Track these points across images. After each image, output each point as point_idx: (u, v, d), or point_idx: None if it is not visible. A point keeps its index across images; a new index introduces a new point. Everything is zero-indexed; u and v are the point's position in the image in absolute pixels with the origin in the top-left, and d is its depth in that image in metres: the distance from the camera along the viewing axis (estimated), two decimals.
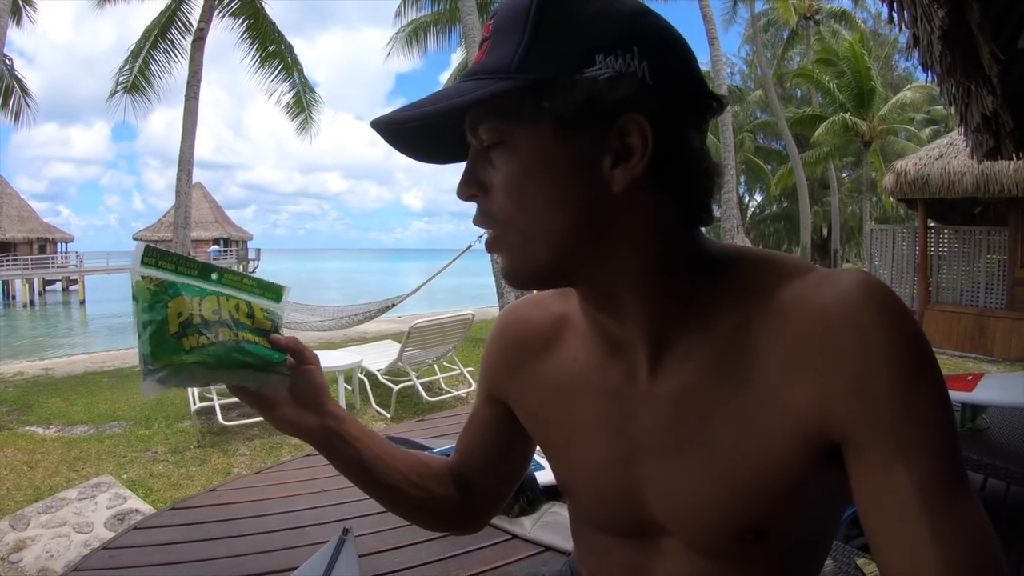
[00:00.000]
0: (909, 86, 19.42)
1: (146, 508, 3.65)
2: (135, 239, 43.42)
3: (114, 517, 3.51)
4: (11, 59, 10.81)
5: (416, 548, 1.91)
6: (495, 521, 2.00)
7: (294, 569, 2.09)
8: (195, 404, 5.23)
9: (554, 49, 0.53)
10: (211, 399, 5.23)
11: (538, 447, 0.79)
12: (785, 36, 25.80)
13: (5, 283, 32.30)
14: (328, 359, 5.95)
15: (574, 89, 0.52)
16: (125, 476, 4.39)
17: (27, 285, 31.60)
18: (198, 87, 10.00)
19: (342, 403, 5.59)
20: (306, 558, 2.16)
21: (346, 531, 0.87)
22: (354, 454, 0.74)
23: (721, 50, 15.96)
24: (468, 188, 0.60)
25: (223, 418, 5.10)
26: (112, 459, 4.82)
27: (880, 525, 0.51)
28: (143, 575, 2.11)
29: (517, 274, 0.60)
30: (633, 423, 0.63)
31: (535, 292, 0.74)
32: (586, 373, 0.67)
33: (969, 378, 2.48)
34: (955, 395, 2.43)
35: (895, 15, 2.27)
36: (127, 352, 13.34)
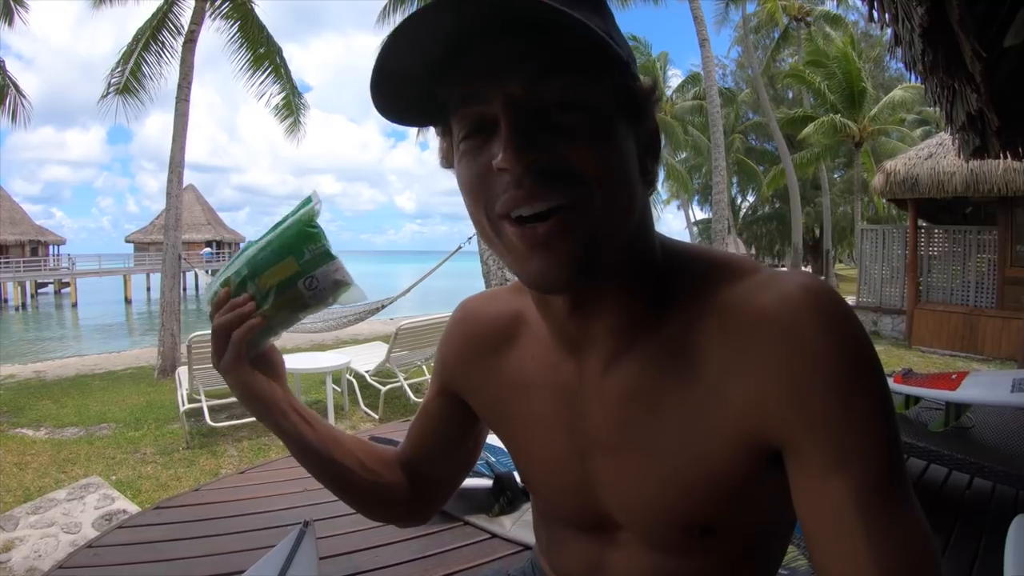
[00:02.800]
0: (900, 86, 19.48)
1: (134, 508, 3.63)
2: (127, 241, 43.24)
3: (102, 517, 3.50)
4: (2, 60, 10.72)
5: (396, 547, 1.90)
6: (475, 520, 2.00)
7: None
8: (184, 405, 5.20)
9: (621, 39, 0.54)
10: (199, 400, 5.20)
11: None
12: (776, 37, 25.88)
13: None
14: (317, 360, 5.94)
15: (637, 82, 0.55)
16: (114, 477, 4.38)
17: (19, 288, 31.39)
18: (189, 89, 9.93)
19: (330, 405, 5.59)
20: None
21: (307, 523, 0.87)
22: (309, 433, 0.74)
23: (712, 51, 15.98)
24: (536, 150, 0.49)
25: (211, 420, 5.08)
26: (101, 460, 4.82)
27: (817, 531, 0.50)
28: (128, 572, 2.11)
29: (585, 262, 0.52)
30: (586, 420, 0.63)
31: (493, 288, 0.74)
32: (542, 371, 0.67)
33: (954, 376, 2.48)
34: (939, 394, 2.43)
35: (876, 13, 2.28)
36: (118, 355, 13.29)
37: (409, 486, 0.83)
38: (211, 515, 2.58)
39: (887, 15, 2.33)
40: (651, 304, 0.59)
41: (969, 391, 2.35)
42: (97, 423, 6.08)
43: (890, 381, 2.67)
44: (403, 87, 0.53)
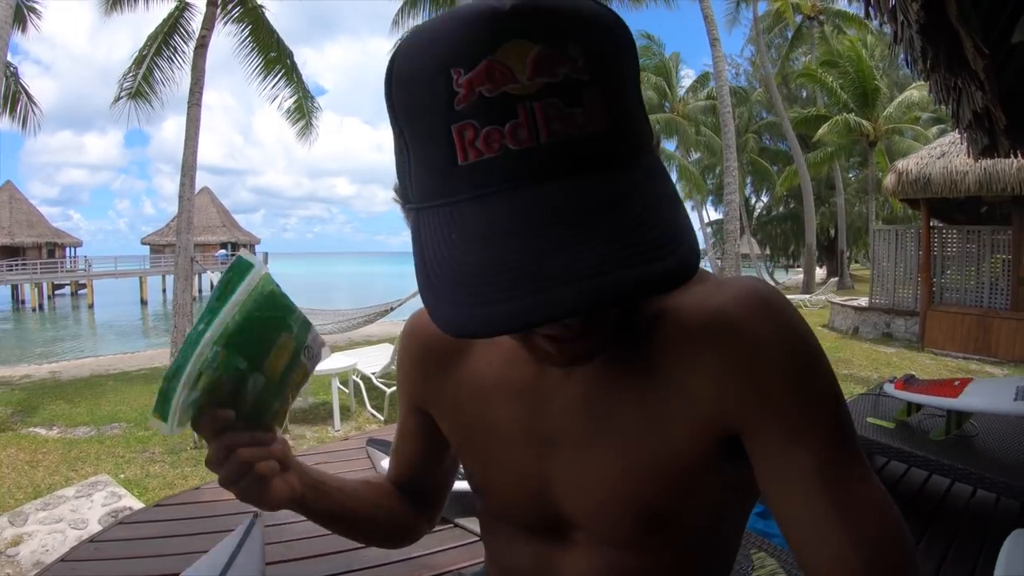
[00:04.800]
0: (914, 84, 19.25)
1: (139, 506, 3.68)
2: (143, 243, 43.72)
3: (108, 514, 3.56)
4: (16, 67, 10.92)
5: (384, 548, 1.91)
6: (464, 523, 2.00)
7: (277, 563, 2.12)
8: None
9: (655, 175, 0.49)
10: None
11: None
12: (790, 36, 25.66)
13: (14, 287, 32.64)
14: (324, 363, 5.97)
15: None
16: (122, 476, 4.45)
17: (36, 289, 31.88)
18: (200, 94, 10.03)
19: (335, 406, 5.62)
20: (281, 553, 2.19)
21: (256, 515, 0.87)
22: (335, 500, 0.75)
23: (723, 51, 15.89)
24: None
25: None
26: (111, 459, 4.89)
27: (784, 506, 0.53)
28: (126, 566, 2.14)
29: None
30: (545, 420, 0.65)
31: None
32: (500, 375, 0.68)
33: (956, 383, 2.43)
34: (939, 401, 2.39)
35: (872, 10, 2.26)
36: (133, 356, 13.46)
37: (412, 505, 0.86)
38: (210, 513, 2.61)
39: (884, 13, 2.30)
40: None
41: (971, 399, 2.29)
42: (108, 423, 6.16)
43: (891, 388, 2.63)
44: None
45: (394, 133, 0.47)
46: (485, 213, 0.42)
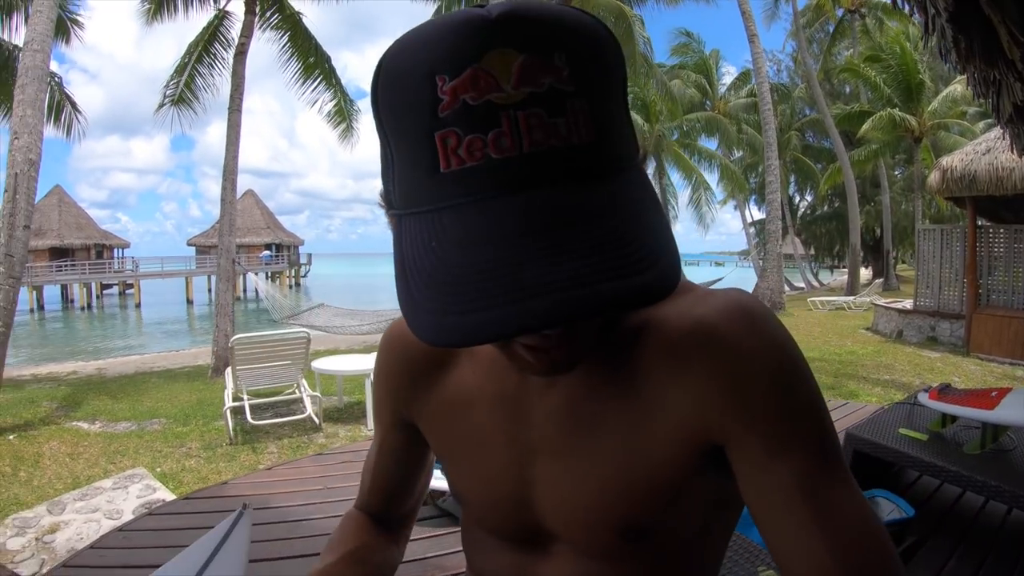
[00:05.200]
0: (958, 78, 18.54)
1: (172, 499, 3.79)
2: (189, 244, 45.03)
3: (142, 506, 3.69)
4: (60, 77, 11.41)
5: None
6: None
7: (295, 558, 2.17)
8: (228, 403, 5.40)
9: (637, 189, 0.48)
10: (242, 399, 5.40)
11: None
12: (831, 31, 25.01)
13: (64, 287, 34.08)
14: (358, 363, 6.07)
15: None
16: (158, 469, 4.59)
17: (84, 289, 33.21)
18: (241, 100, 10.30)
19: (369, 405, 5.69)
20: (302, 548, 2.23)
21: (245, 506, 0.89)
22: None
23: (761, 47, 15.61)
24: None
25: (252, 418, 5.26)
26: (148, 453, 5.05)
27: (767, 518, 0.53)
28: (152, 555, 2.23)
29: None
30: (528, 430, 0.65)
31: None
32: (484, 385, 0.68)
33: (993, 394, 2.30)
34: (974, 413, 2.26)
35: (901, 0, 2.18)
36: (177, 354, 13.89)
37: (392, 538, 0.84)
38: (235, 507, 2.68)
39: (914, 2, 2.22)
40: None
41: (1007, 411, 2.14)
42: (149, 418, 6.36)
43: (925, 397, 2.52)
44: None
45: (379, 137, 0.47)
46: (464, 221, 0.42)
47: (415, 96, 0.41)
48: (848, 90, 26.77)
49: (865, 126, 17.62)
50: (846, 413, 4.24)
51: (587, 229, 0.40)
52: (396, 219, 0.47)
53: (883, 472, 2.59)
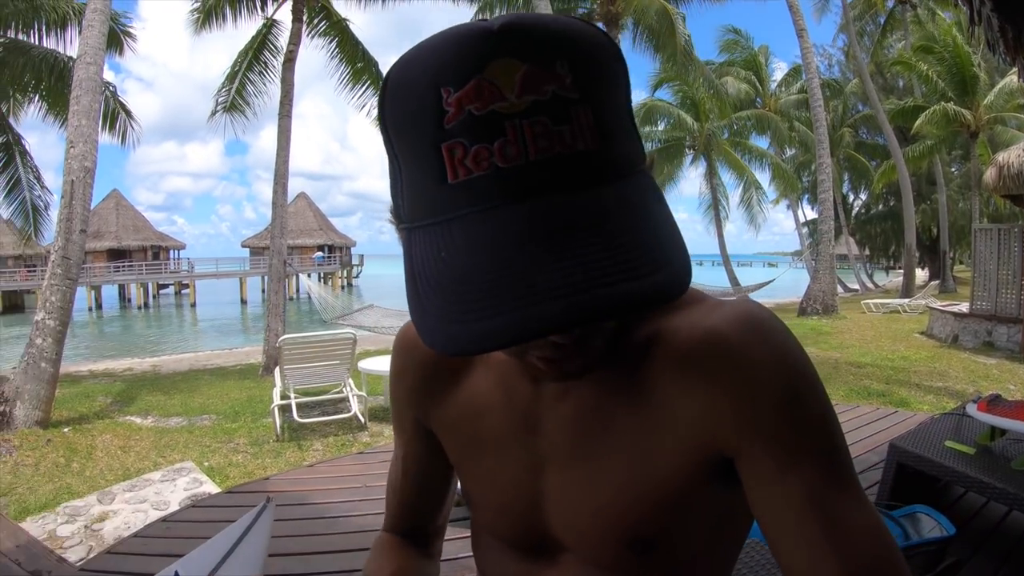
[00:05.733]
0: (1013, 70, 17.57)
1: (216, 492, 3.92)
2: (243, 246, 46.33)
3: (188, 498, 3.83)
4: (114, 86, 11.90)
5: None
6: None
7: (330, 553, 2.23)
8: (275, 401, 5.53)
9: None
10: (289, 398, 5.53)
11: None
12: (882, 23, 24.09)
13: (121, 287, 35.67)
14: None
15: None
16: (206, 464, 4.76)
17: (141, 289, 34.67)
18: (290, 105, 10.60)
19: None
20: (340, 543, 2.29)
21: (268, 499, 0.93)
22: None
23: (810, 41, 15.18)
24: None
25: (299, 416, 5.40)
26: (197, 448, 5.24)
27: (777, 533, 0.52)
28: (191, 545, 2.31)
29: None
30: (539, 439, 0.65)
31: None
32: (497, 394, 0.68)
33: None
34: (1020, 425, 2.18)
35: None
36: (231, 352, 14.33)
37: (430, 550, 0.84)
38: (278, 502, 2.77)
39: None
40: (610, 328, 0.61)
41: None
42: (199, 414, 6.60)
43: (974, 408, 2.41)
44: None
45: (387, 152, 0.47)
46: (473, 231, 0.42)
47: (420, 108, 0.42)
48: (902, 84, 25.79)
49: (919, 121, 16.89)
50: (892, 423, 4.12)
51: (596, 232, 0.41)
52: (406, 233, 0.48)
53: (927, 486, 2.49)
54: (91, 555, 2.84)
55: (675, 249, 0.43)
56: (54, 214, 6.59)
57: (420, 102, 0.42)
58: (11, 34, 11.15)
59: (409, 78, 0.43)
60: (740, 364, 0.53)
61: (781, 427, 0.52)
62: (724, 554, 0.67)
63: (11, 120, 12.15)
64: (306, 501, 2.73)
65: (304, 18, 11.03)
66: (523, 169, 0.40)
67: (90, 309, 32.30)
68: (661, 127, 23.87)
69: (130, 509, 3.71)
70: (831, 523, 0.50)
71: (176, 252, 43.05)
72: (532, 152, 0.40)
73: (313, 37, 11.71)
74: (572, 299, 0.38)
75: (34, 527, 3.43)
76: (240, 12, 11.57)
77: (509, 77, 0.40)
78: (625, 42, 15.26)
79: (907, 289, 19.14)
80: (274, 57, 11.78)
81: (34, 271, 30.20)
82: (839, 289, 20.31)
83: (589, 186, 0.42)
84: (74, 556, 2.98)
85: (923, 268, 27.85)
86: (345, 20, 11.78)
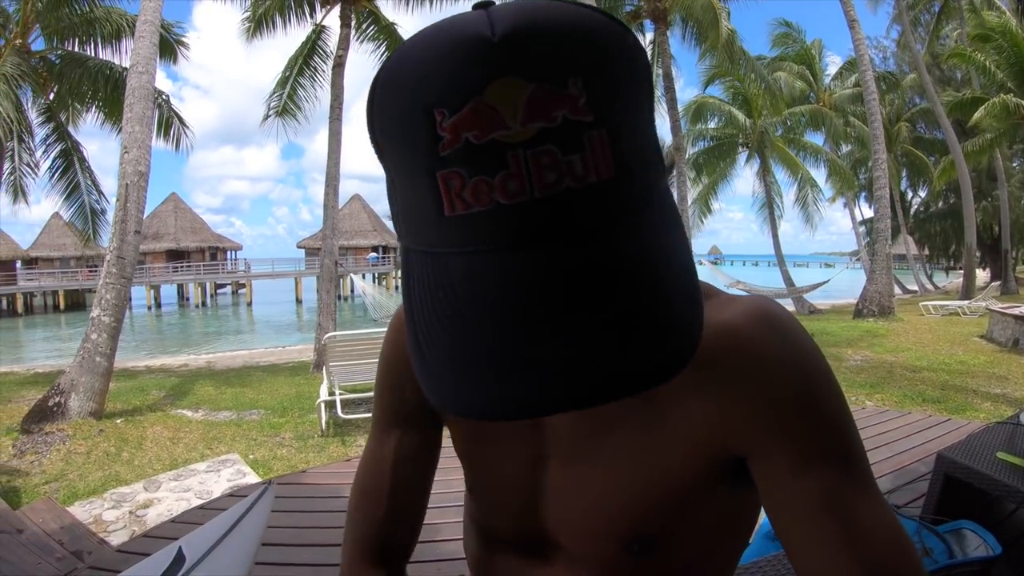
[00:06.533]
0: None
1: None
2: (299, 247, 47.48)
3: (230, 488, 3.95)
4: (168, 95, 12.40)
5: (443, 545, 1.99)
6: None
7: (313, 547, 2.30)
8: (321, 397, 5.66)
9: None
10: (335, 394, 5.68)
11: None
12: (937, 11, 23.03)
13: (180, 286, 37.22)
14: None
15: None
16: (251, 456, 4.92)
17: (199, 288, 36.07)
18: (340, 110, 10.87)
19: None
20: (314, 537, 2.34)
21: (270, 482, 0.97)
22: None
23: (863, 33, 14.65)
24: None
25: (343, 412, 5.54)
26: (244, 441, 5.42)
27: (792, 533, 0.51)
28: None
29: None
30: (543, 435, 0.65)
31: None
32: None
33: None
34: None
35: None
36: (283, 349, 14.75)
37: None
38: (312, 494, 2.88)
39: None
40: None
41: None
42: (249, 408, 6.81)
43: None
44: None
45: (380, 163, 0.43)
46: (471, 275, 0.38)
47: (413, 131, 0.37)
48: (959, 75, 24.64)
49: (977, 114, 16.05)
50: (944, 431, 3.95)
51: (600, 297, 0.36)
52: (404, 248, 0.44)
53: (976, 500, 2.36)
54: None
55: (685, 304, 0.39)
56: (111, 216, 6.90)
57: (412, 124, 0.37)
58: (69, 46, 11.76)
59: (399, 93, 0.38)
60: (754, 362, 0.52)
61: (799, 427, 0.51)
62: (729, 553, 0.66)
63: (70, 128, 12.85)
64: (340, 494, 2.80)
65: (352, 23, 11.26)
66: (527, 208, 0.36)
67: (149, 308, 33.76)
68: (712, 124, 23.39)
69: (174, 497, 3.86)
70: (847, 523, 0.49)
71: (233, 253, 44.66)
72: (538, 188, 0.35)
73: (362, 42, 11.97)
74: (557, 383, 0.36)
75: (81, 511, 3.61)
76: (290, 19, 11.89)
77: (512, 100, 0.35)
78: (674, 39, 15.06)
79: (967, 291, 18.32)
80: (324, 62, 12.09)
81: (95, 271, 31.77)
82: (897, 290, 19.56)
83: (599, 229, 0.37)
84: (116, 540, 3.12)
85: (984, 268, 26.61)
86: (393, 24, 12.01)
